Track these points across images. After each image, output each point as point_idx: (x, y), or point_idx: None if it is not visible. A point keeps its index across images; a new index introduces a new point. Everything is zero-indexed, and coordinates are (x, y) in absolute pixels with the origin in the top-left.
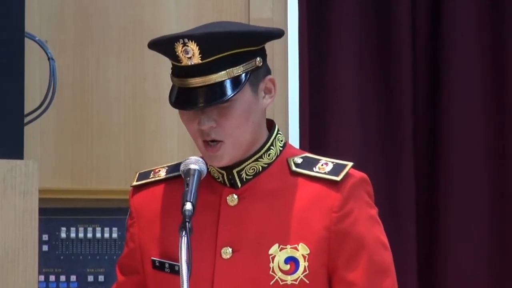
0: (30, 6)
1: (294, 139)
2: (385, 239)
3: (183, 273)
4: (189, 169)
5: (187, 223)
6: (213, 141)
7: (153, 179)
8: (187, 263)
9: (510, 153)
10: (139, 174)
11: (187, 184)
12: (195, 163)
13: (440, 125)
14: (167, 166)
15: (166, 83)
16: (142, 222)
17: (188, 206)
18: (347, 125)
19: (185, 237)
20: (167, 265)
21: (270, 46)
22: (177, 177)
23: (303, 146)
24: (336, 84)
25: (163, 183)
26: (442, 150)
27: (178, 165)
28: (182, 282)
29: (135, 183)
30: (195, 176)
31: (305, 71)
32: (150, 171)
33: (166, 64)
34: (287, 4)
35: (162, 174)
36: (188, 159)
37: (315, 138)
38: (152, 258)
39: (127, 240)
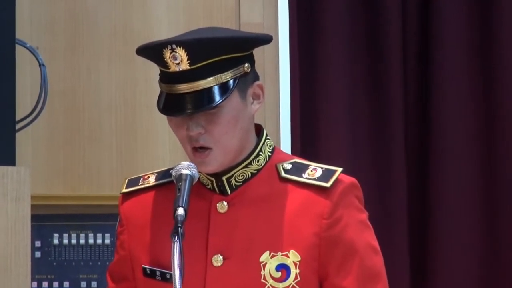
0: (21, 13)
1: (285, 144)
2: (375, 244)
3: (175, 278)
4: (181, 174)
5: (179, 228)
6: (201, 147)
7: (142, 186)
8: (179, 268)
9: (499, 155)
10: (128, 180)
11: (179, 189)
12: (186, 168)
13: (431, 126)
14: (156, 173)
15: (157, 89)
16: (132, 229)
17: (180, 211)
18: (338, 128)
19: (178, 242)
20: (158, 273)
21: (261, 51)
22: (166, 183)
23: (295, 150)
24: (326, 88)
25: (153, 189)
26: (433, 150)
27: (167, 171)
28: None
29: (124, 190)
30: (187, 181)
31: (296, 75)
32: (139, 178)
33: (157, 70)
34: (278, 9)
35: (152, 180)
36: (179, 164)
37: (307, 142)
38: (143, 265)
39: (117, 248)
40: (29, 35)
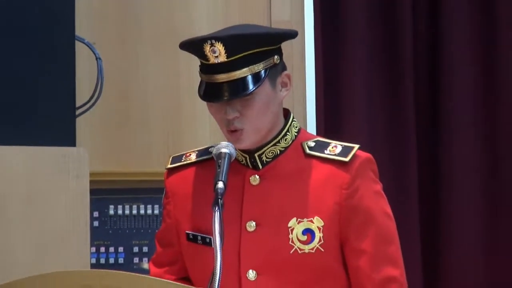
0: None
1: (311, 127)
2: (389, 210)
3: (217, 243)
4: (221, 152)
5: (219, 200)
6: (236, 130)
7: (185, 162)
8: (220, 234)
9: (503, 141)
10: (173, 157)
11: (219, 166)
12: (225, 147)
13: (441, 114)
14: (197, 150)
15: (198, 78)
16: (176, 200)
17: (220, 184)
18: (358, 113)
19: (218, 212)
20: (199, 238)
21: (289, 45)
22: (206, 160)
23: (319, 132)
24: (347, 78)
25: (194, 165)
26: (444, 134)
27: (206, 149)
28: (216, 251)
29: (169, 165)
30: (226, 158)
31: (320, 66)
32: (182, 155)
33: (198, 62)
34: (304, 8)
35: (193, 157)
36: (219, 143)
37: (330, 125)
38: (186, 231)
39: (164, 217)
40: (84, 30)
